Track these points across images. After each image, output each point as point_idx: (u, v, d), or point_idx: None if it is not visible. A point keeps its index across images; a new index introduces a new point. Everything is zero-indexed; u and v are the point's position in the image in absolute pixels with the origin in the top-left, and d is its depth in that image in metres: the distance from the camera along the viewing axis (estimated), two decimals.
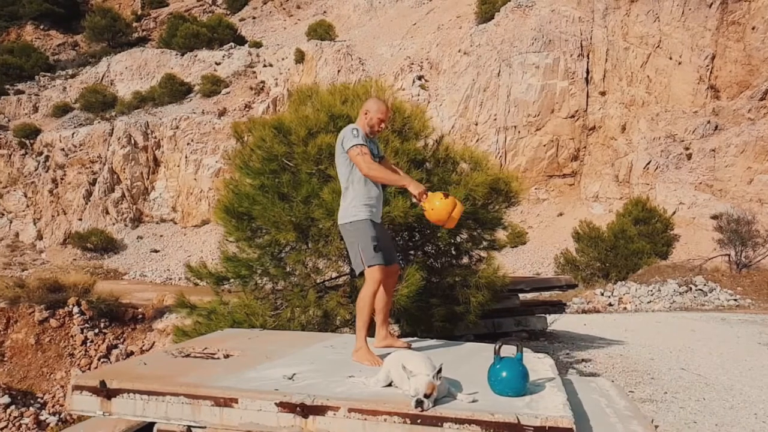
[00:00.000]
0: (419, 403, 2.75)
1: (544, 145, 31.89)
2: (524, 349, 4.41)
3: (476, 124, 33.10)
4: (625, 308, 17.68)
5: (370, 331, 4.39)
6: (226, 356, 3.69)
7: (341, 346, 4.04)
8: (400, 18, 41.80)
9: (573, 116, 31.65)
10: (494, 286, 5.83)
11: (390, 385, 3.10)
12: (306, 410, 2.78)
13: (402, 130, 5.81)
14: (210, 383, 2.96)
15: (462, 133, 33.15)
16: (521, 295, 11.44)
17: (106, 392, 2.86)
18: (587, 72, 31.78)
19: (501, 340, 3.24)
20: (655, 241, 22.84)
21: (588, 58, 31.86)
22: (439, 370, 2.89)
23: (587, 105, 31.57)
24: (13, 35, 51.41)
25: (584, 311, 17.02)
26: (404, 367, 2.92)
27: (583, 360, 7.36)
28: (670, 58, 29.95)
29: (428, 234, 5.73)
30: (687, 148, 28.64)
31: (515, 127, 32.26)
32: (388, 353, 3.81)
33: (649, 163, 28.89)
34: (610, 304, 17.95)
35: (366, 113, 4.16)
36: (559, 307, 9.47)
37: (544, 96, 31.80)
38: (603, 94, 31.34)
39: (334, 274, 5.60)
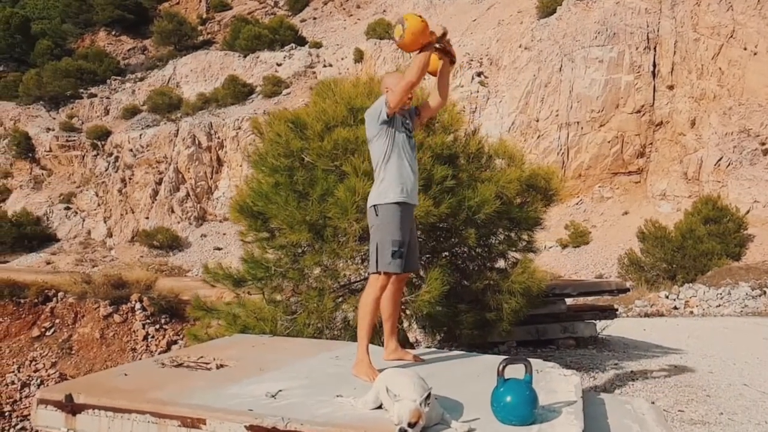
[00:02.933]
0: None
1: (609, 142, 30.68)
2: (551, 365, 3.99)
3: (537, 121, 32.18)
4: (691, 312, 16.71)
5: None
6: (219, 366, 3.46)
7: (348, 357, 3.74)
8: (459, 14, 41.18)
9: (639, 111, 30.31)
10: (530, 291, 5.41)
11: (381, 407, 2.77)
12: None
13: (428, 123, 5.45)
14: (181, 400, 2.72)
15: (522, 130, 32.32)
16: (573, 299, 10.87)
17: (71, 407, 2.67)
18: (654, 65, 30.35)
19: (506, 358, 2.85)
20: (726, 241, 21.67)
21: (655, 51, 30.43)
22: (428, 395, 2.53)
23: (654, 99, 30.16)
24: (87, 41, 53.78)
25: (647, 315, 16.18)
26: (388, 390, 2.58)
27: (631, 372, 6.79)
28: (745, 49, 28.23)
29: (461, 233, 5.36)
30: (763, 143, 26.93)
31: (578, 123, 31.18)
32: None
33: (720, 160, 27.33)
34: (675, 308, 17.01)
35: (387, 90, 3.79)
36: (610, 313, 8.89)
37: (608, 91, 30.59)
38: (671, 87, 29.86)
39: (358, 277, 5.32)
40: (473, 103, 33.36)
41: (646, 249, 22.47)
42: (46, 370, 21.75)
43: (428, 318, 5.32)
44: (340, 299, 5.12)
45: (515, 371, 2.86)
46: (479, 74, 34.65)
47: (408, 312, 5.04)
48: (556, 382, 3.48)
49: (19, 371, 21.66)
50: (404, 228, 3.61)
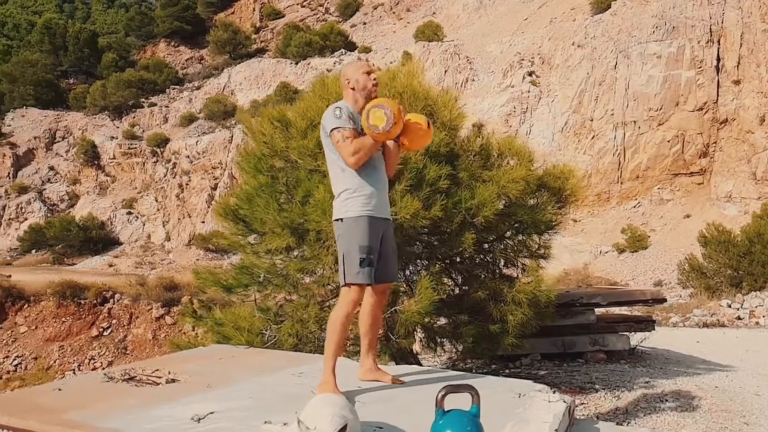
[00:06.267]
0: None
1: (668, 141, 29.28)
2: (539, 387, 3.53)
3: (591, 120, 31.08)
4: (757, 323, 15.59)
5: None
6: (170, 382, 3.24)
7: (314, 374, 3.45)
8: (510, 14, 40.39)
9: (701, 109, 28.80)
10: (537, 302, 4.97)
11: None
12: None
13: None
14: (96, 422, 2.50)
15: (576, 130, 31.30)
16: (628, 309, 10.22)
17: None
18: (718, 59, 28.78)
19: (448, 385, 2.48)
20: None
21: (719, 44, 28.87)
22: (344, 428, 2.20)
23: (718, 96, 28.59)
24: (148, 53, 55.80)
25: (705, 325, 15.17)
26: (300, 423, 2.25)
27: (661, 392, 6.16)
28: None
29: (458, 238, 4.97)
30: None
31: (635, 122, 29.91)
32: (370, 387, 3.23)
33: None
34: (739, 318, 15.89)
35: (348, 82, 3.42)
36: (647, 325, 8.23)
37: (667, 88, 29.22)
38: (737, 83, 28.25)
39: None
40: (524, 103, 32.56)
41: (709, 254, 21.17)
42: (103, 368, 22.44)
43: (424, 330, 4.98)
44: (332, 305, 4.84)
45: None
46: (530, 74, 33.81)
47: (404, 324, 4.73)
48: (535, 410, 3.06)
49: (79, 368, 22.49)
50: (373, 234, 3.28)
